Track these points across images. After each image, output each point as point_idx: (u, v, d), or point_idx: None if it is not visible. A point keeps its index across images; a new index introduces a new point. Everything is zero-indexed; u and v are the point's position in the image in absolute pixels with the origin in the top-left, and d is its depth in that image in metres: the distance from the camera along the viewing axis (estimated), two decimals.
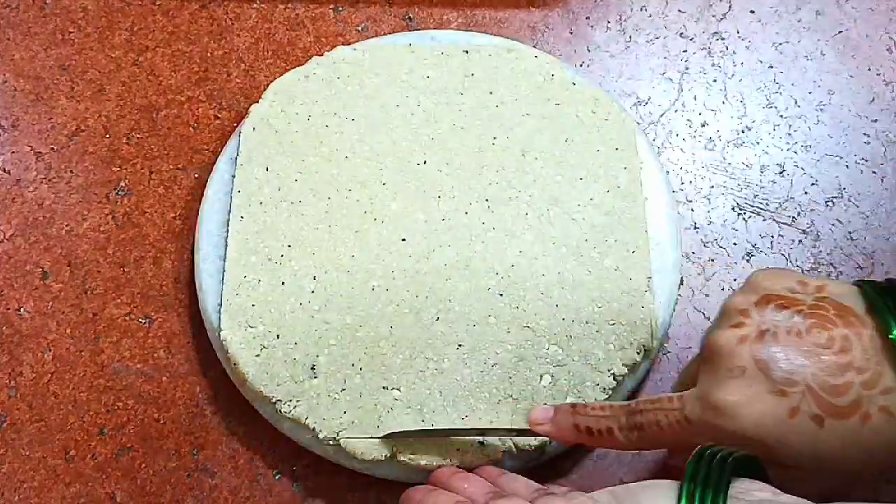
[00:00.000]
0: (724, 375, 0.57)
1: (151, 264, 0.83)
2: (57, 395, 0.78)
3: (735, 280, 0.81)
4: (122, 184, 0.87)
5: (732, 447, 0.56)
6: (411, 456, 0.70)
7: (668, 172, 0.85)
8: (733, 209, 0.84)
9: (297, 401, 0.72)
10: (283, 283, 0.76)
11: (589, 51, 0.93)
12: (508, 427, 0.71)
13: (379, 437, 0.71)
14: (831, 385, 0.55)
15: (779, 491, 0.52)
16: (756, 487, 0.52)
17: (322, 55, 0.87)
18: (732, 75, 0.91)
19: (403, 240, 0.78)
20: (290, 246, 0.78)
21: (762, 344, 0.57)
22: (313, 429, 0.71)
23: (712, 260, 0.82)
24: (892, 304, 0.56)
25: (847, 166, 0.86)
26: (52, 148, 0.89)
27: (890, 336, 0.55)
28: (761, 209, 0.84)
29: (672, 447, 0.62)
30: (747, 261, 0.82)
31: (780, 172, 0.86)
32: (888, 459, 0.56)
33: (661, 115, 0.89)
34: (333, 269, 0.77)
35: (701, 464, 0.53)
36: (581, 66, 0.92)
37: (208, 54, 0.93)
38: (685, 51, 0.92)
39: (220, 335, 0.75)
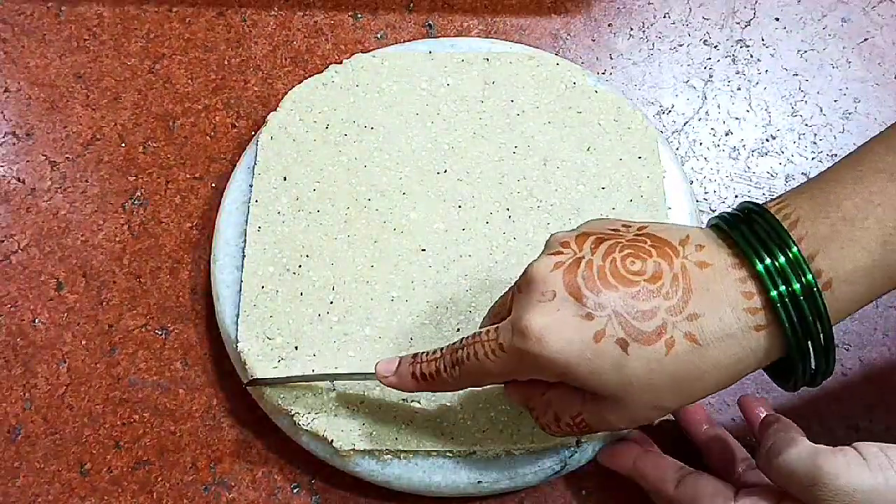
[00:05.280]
0: (536, 300, 0.57)
1: (167, 275, 0.82)
2: (72, 408, 0.77)
3: None
4: (138, 193, 0.86)
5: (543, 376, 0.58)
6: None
7: (691, 182, 0.84)
8: None
9: (316, 413, 0.71)
10: (301, 294, 0.75)
11: (611, 58, 0.92)
12: (363, 372, 0.71)
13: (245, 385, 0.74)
14: (638, 310, 0.55)
15: None
16: None
17: (340, 63, 0.86)
18: (757, 83, 0.90)
19: (423, 250, 0.77)
20: (308, 256, 0.77)
21: (576, 270, 0.57)
22: (331, 441, 0.70)
23: None
24: (747, 234, 0.56)
25: None
26: (68, 157, 0.88)
27: (756, 268, 0.55)
28: None
29: (493, 380, 0.62)
30: None
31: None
32: (696, 390, 0.56)
33: (685, 124, 0.88)
34: (352, 279, 0.76)
35: None
36: (603, 73, 0.91)
37: (225, 62, 0.93)
38: (709, 58, 0.91)
39: (237, 347, 0.74)
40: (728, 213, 0.59)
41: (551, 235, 0.61)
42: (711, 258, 0.56)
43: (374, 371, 0.69)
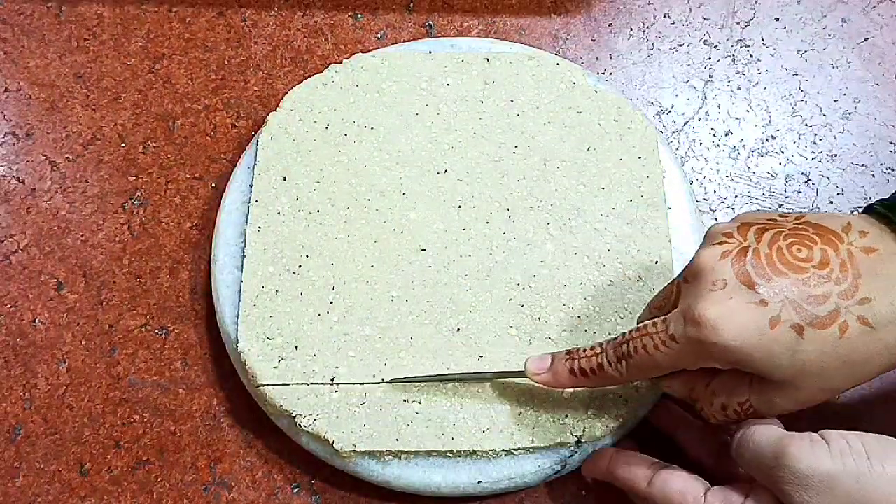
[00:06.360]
0: (706, 290, 0.58)
1: (168, 275, 0.82)
2: (72, 408, 0.77)
3: None
4: (138, 193, 0.86)
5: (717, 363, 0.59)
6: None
7: (691, 182, 0.84)
8: None
9: (317, 415, 0.71)
10: (301, 294, 0.75)
11: (611, 58, 0.92)
12: (510, 371, 0.72)
13: (386, 382, 0.72)
14: (811, 295, 0.56)
15: None
16: None
17: (340, 63, 0.86)
18: (757, 83, 0.90)
19: (423, 250, 0.77)
20: (308, 256, 0.77)
21: (744, 259, 0.58)
22: (332, 443, 0.70)
23: None
24: None
25: (873, 175, 0.85)
26: (68, 157, 0.88)
27: None
28: None
29: (661, 372, 0.63)
30: None
31: (806, 182, 0.85)
32: (864, 373, 0.58)
33: (685, 124, 0.88)
34: (352, 279, 0.76)
35: None
36: (603, 73, 0.91)
37: (225, 62, 0.92)
38: (709, 58, 0.91)
39: (237, 347, 0.74)
40: (885, 200, 0.61)
41: (711, 227, 0.63)
42: (876, 244, 0.58)
43: (512, 370, 0.71)
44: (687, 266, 0.61)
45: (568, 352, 0.67)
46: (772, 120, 0.88)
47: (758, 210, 0.65)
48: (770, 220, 0.61)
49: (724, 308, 0.56)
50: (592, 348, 0.65)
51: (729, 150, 0.87)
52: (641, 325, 0.62)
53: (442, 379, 0.72)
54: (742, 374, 0.60)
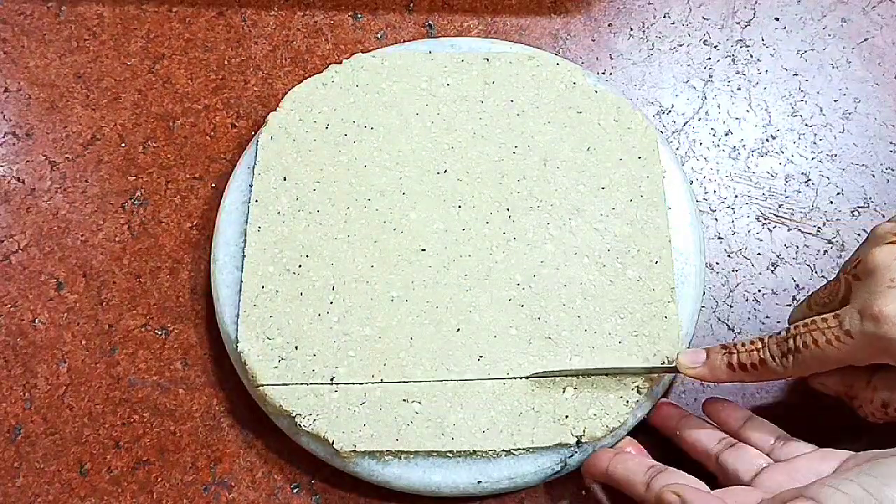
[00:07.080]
0: (885, 287, 0.59)
1: (168, 275, 0.82)
2: (72, 408, 0.77)
3: (760, 290, 0.80)
4: (138, 193, 0.86)
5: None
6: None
7: (691, 182, 0.84)
8: (758, 219, 0.83)
9: (317, 415, 0.71)
10: (301, 294, 0.75)
11: (611, 58, 0.92)
12: (656, 366, 0.72)
13: (523, 377, 0.72)
14: None
15: None
16: None
17: (340, 63, 0.86)
18: (757, 83, 0.90)
19: (423, 250, 0.77)
20: (307, 256, 0.77)
21: None
22: (332, 443, 0.70)
23: (736, 270, 0.81)
24: None
25: (873, 175, 0.85)
26: (67, 157, 0.88)
27: None
28: (786, 219, 0.83)
29: (828, 367, 0.63)
30: (772, 271, 0.81)
31: (806, 182, 0.85)
32: None
33: (685, 124, 0.88)
34: (352, 279, 0.76)
35: None
36: (603, 73, 0.91)
37: (225, 62, 0.92)
38: (709, 58, 0.91)
39: (237, 347, 0.74)
40: None
41: (877, 227, 0.64)
42: None
43: (660, 366, 0.72)
44: (857, 263, 0.62)
45: (723, 346, 0.68)
46: (772, 120, 0.88)
47: None
48: None
49: None
50: (752, 342, 0.66)
51: (729, 150, 0.87)
52: (808, 320, 0.62)
53: (590, 373, 0.72)
54: None
